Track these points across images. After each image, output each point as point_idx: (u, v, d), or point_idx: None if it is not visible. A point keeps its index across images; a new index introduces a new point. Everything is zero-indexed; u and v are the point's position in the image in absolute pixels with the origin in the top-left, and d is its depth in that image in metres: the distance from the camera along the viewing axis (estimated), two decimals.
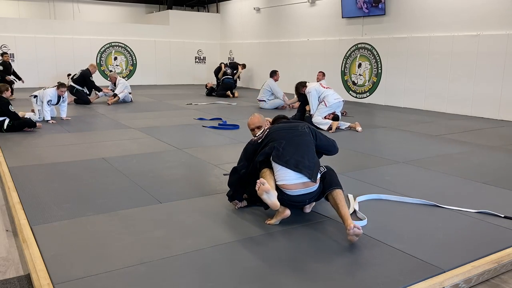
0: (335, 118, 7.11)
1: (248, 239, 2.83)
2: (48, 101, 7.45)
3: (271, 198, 2.87)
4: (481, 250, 2.69)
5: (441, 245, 2.77)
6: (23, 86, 12.13)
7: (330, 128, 6.89)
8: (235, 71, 13.52)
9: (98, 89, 10.43)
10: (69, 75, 12.23)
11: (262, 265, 2.48)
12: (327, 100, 7.03)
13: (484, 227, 3.09)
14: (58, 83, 7.80)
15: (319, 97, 7.09)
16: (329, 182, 3.07)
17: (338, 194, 2.99)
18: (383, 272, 2.40)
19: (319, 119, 7.01)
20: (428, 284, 2.30)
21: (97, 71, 11.04)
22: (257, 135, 3.45)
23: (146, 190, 3.79)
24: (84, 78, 10.22)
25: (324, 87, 7.20)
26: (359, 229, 2.70)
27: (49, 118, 7.42)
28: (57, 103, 7.70)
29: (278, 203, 2.89)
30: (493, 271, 2.54)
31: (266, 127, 3.43)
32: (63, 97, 7.70)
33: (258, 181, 2.90)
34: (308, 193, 3.06)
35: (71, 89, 10.09)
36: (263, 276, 2.36)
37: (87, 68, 10.52)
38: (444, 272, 2.41)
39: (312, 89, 7.07)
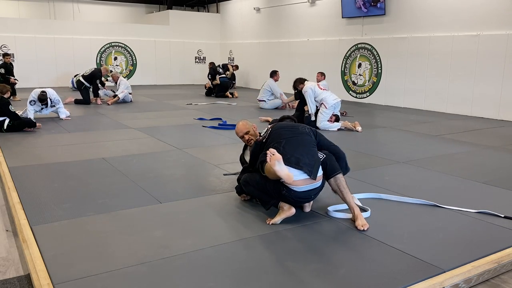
0: (337, 119, 7.19)
1: (248, 239, 2.83)
2: (30, 101, 7.28)
3: (284, 169, 2.83)
4: (481, 250, 2.69)
5: (441, 245, 2.77)
6: (24, 86, 12.15)
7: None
8: (227, 72, 13.66)
9: (96, 93, 10.29)
10: (76, 75, 12.51)
11: (262, 265, 2.48)
12: (326, 102, 7.02)
13: (484, 227, 3.09)
14: (41, 91, 7.44)
15: (315, 98, 7.08)
16: (330, 168, 3.13)
17: (340, 180, 3.12)
18: (383, 272, 2.40)
19: (327, 124, 7.05)
20: (428, 284, 2.30)
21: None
22: (261, 134, 3.49)
23: (146, 190, 3.79)
24: (91, 77, 10.19)
25: (321, 89, 7.17)
26: (366, 226, 3.00)
27: (32, 117, 7.08)
28: (47, 106, 7.51)
29: (292, 174, 2.87)
30: (493, 271, 2.54)
31: (269, 126, 3.45)
32: (51, 101, 7.54)
33: (268, 151, 2.88)
34: (313, 188, 3.09)
35: (79, 85, 10.20)
36: (263, 276, 2.36)
37: (100, 69, 10.51)
38: (444, 272, 2.41)
39: (308, 89, 7.04)
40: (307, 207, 3.33)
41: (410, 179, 4.32)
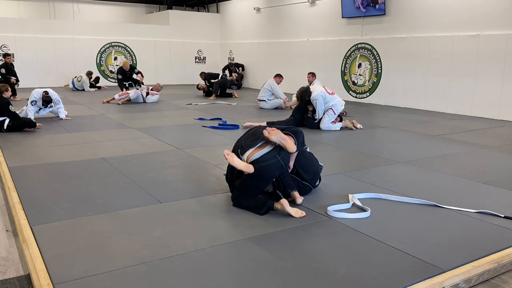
0: (340, 120, 7.32)
1: (248, 239, 2.83)
2: (32, 102, 7.29)
3: (242, 163, 3.21)
4: (481, 250, 2.69)
5: (441, 245, 2.77)
6: (24, 86, 12.14)
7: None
8: (233, 74, 13.73)
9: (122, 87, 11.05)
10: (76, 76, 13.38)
11: (262, 265, 2.48)
12: (335, 108, 7.10)
13: (484, 227, 3.09)
14: (44, 92, 7.47)
15: (325, 104, 7.10)
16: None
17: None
18: (383, 272, 2.40)
19: (330, 125, 7.10)
20: (428, 284, 2.30)
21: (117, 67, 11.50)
22: None
23: (146, 190, 3.79)
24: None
25: (329, 93, 7.18)
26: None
27: (32, 117, 7.08)
28: (46, 106, 7.53)
29: (250, 166, 3.19)
30: (493, 271, 2.54)
31: None
32: (53, 101, 7.57)
33: (224, 153, 3.27)
34: (269, 151, 3.25)
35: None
36: (263, 276, 2.36)
37: (120, 67, 11.44)
38: (444, 272, 2.41)
39: (319, 97, 7.01)
40: (298, 199, 3.41)
41: (410, 179, 4.32)
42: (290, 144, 3.24)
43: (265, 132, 3.23)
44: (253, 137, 3.39)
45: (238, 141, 3.53)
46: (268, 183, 3.38)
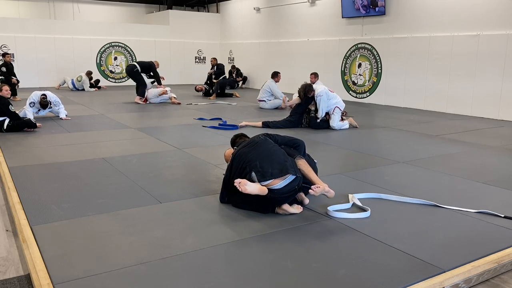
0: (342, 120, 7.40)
1: (248, 239, 2.83)
2: (30, 103, 7.30)
3: (255, 188, 3.08)
4: (481, 250, 2.69)
5: (441, 245, 2.77)
6: (24, 86, 12.14)
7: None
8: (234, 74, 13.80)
9: (159, 81, 10.89)
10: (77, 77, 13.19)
11: (262, 265, 2.48)
12: (339, 105, 7.21)
13: (484, 227, 3.09)
14: (42, 95, 7.45)
15: (328, 101, 7.14)
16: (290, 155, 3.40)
17: (299, 163, 3.32)
18: (383, 272, 2.40)
19: (340, 123, 7.18)
20: (428, 284, 2.30)
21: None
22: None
23: (146, 190, 3.79)
24: (150, 67, 10.82)
25: (330, 91, 7.25)
26: (325, 191, 3.17)
27: (32, 118, 7.03)
28: (45, 109, 7.54)
29: (264, 187, 3.10)
30: (493, 271, 2.54)
31: (233, 152, 3.63)
32: (51, 102, 7.57)
33: (235, 183, 3.09)
34: (291, 181, 3.18)
35: (131, 72, 10.67)
36: (263, 276, 2.36)
37: (152, 62, 11.05)
38: (444, 272, 2.41)
39: (324, 94, 7.06)
40: (306, 200, 3.42)
41: (410, 179, 4.32)
42: (332, 194, 3.22)
43: (311, 191, 3.12)
44: (273, 160, 3.23)
45: (248, 157, 3.31)
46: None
